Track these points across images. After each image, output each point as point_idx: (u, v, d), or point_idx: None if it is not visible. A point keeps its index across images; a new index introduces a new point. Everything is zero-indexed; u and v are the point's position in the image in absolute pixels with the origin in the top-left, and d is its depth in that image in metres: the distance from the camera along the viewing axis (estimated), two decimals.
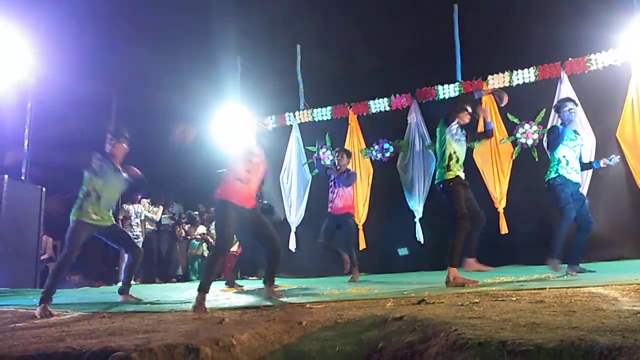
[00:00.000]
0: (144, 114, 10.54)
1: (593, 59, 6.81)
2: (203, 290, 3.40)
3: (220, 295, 4.65)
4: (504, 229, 6.87)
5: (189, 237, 9.56)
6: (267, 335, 2.25)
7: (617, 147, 6.61)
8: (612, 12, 6.67)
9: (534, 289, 3.16)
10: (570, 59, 6.96)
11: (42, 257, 8.40)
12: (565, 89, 6.90)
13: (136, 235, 8.45)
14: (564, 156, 4.75)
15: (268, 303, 3.49)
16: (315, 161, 6.59)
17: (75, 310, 3.70)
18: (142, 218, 8.62)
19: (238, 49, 9.65)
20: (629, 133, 6.56)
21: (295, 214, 8.54)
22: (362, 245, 7.47)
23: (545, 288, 3.15)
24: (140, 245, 8.49)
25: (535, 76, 7.14)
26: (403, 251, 3.53)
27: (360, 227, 7.81)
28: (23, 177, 7.68)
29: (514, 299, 2.81)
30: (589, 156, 6.66)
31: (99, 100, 10.31)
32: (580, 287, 3.15)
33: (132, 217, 8.43)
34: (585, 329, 1.78)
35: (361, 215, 7.89)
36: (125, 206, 8.50)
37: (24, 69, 7.54)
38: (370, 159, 8.18)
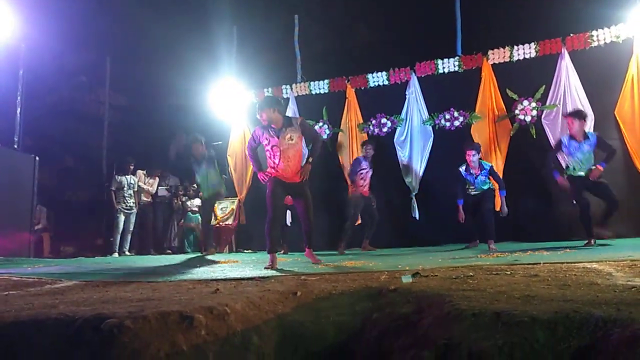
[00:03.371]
0: (137, 84, 10.38)
1: (595, 35, 6.72)
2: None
3: (215, 267, 4.65)
4: (499, 205, 6.86)
5: (188, 210, 9.51)
6: (261, 305, 2.25)
7: (615, 125, 6.58)
8: None
9: (528, 264, 3.17)
10: (571, 34, 6.86)
11: (36, 227, 8.38)
12: (565, 65, 6.83)
13: (129, 206, 8.37)
14: None
15: (261, 274, 3.49)
16: (351, 180, 7.05)
17: (69, 280, 3.69)
18: (136, 189, 8.53)
19: (234, 18, 9.44)
20: (627, 111, 6.52)
21: None
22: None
23: (540, 263, 3.16)
24: (134, 216, 8.46)
25: (536, 52, 7.05)
26: (407, 278, 3.57)
27: None
28: (16, 146, 7.58)
29: (508, 273, 2.82)
30: None
31: (92, 69, 10.11)
32: (574, 262, 3.16)
33: (124, 188, 8.34)
34: (580, 302, 1.78)
35: None
36: (118, 177, 8.40)
37: (14, 35, 7.34)
38: (368, 134, 8.10)
